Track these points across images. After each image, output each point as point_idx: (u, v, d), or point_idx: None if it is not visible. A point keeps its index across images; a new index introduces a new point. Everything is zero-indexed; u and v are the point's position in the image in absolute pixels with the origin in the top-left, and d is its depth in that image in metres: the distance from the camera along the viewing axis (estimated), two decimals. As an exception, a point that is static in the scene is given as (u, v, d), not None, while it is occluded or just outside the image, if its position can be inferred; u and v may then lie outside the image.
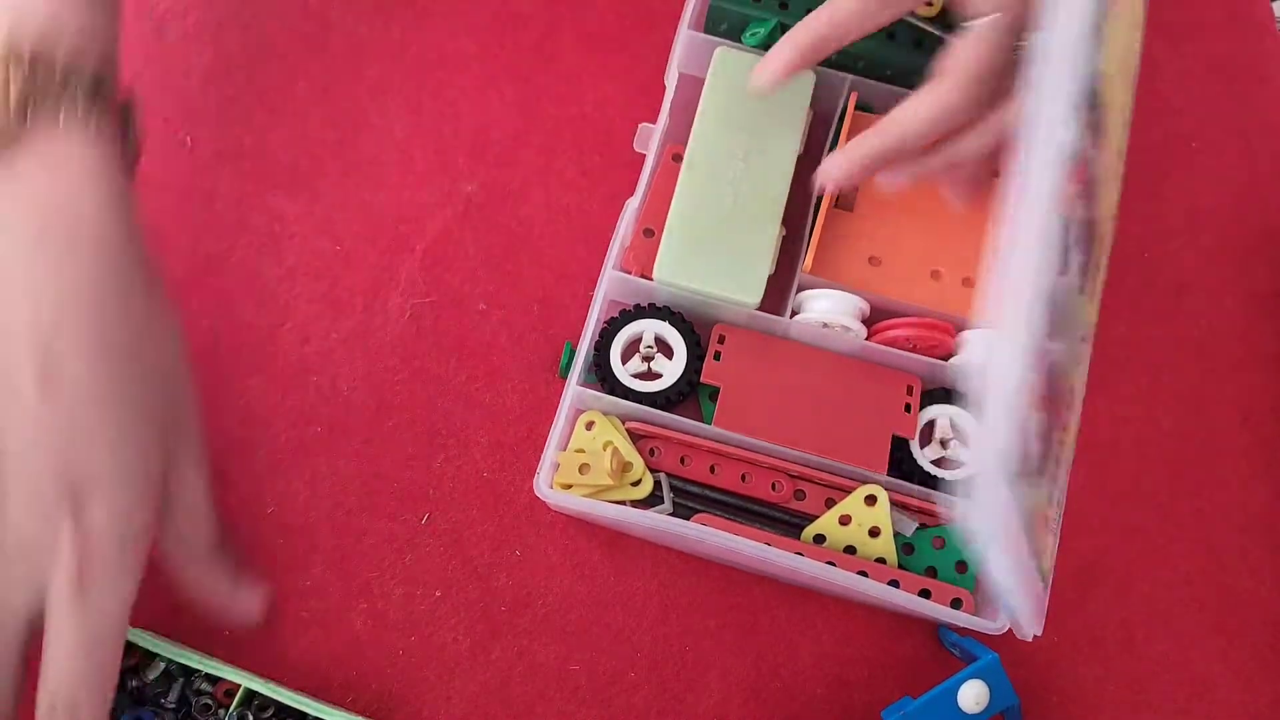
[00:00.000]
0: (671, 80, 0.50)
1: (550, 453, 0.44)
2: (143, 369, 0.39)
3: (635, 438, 0.46)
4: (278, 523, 0.47)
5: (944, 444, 0.47)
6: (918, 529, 0.46)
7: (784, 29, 0.49)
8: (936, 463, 0.47)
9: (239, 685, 0.42)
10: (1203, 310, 0.52)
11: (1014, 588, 0.34)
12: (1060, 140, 0.29)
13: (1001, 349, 0.27)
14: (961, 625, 0.43)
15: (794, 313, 0.47)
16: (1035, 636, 0.41)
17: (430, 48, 0.54)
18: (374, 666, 0.45)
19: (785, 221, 0.47)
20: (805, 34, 0.43)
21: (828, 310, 0.46)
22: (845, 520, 0.45)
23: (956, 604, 0.44)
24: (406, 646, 0.46)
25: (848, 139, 0.47)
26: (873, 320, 0.47)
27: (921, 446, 0.47)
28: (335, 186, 0.51)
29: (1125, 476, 0.49)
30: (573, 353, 0.47)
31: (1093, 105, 0.33)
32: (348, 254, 0.50)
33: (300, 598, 0.46)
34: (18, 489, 0.37)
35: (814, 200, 0.48)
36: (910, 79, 0.48)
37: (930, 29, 0.48)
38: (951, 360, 0.46)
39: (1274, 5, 0.59)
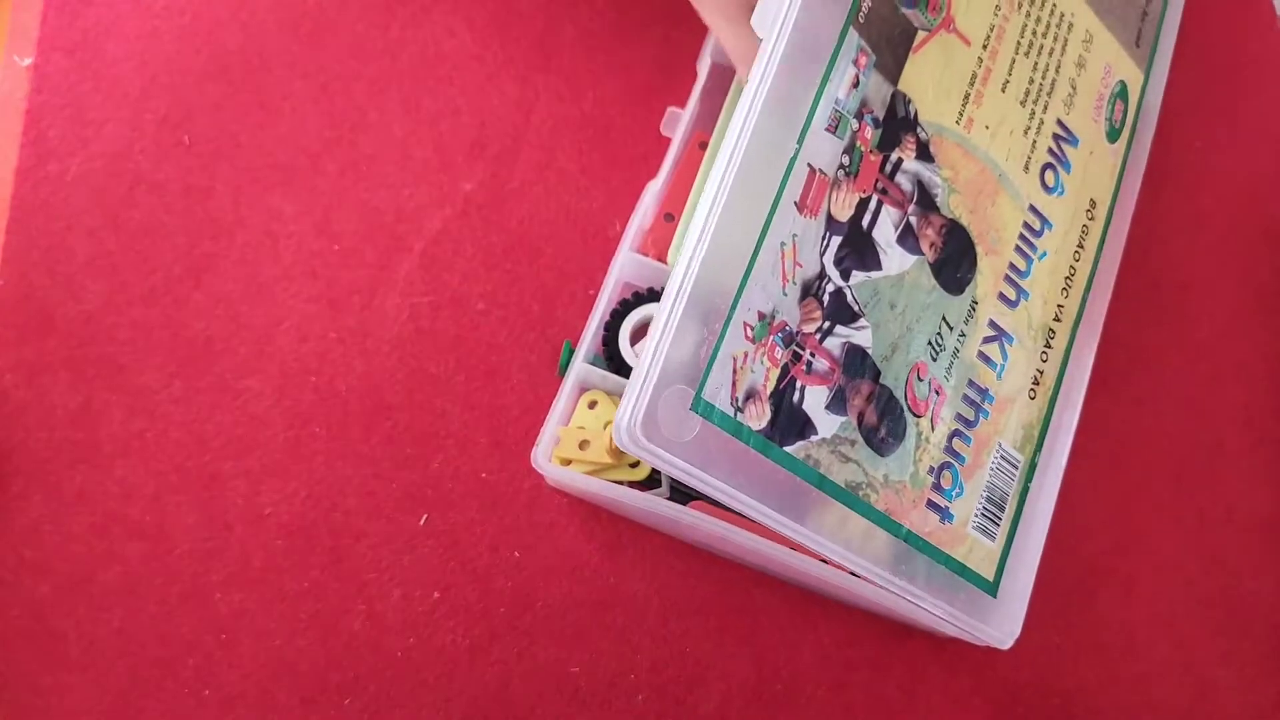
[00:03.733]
0: (703, 69, 0.50)
1: (550, 426, 0.44)
2: None
3: (637, 420, 0.46)
4: (276, 523, 0.47)
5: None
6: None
7: None
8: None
9: None
10: (1205, 310, 0.52)
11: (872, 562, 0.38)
12: (786, 153, 0.36)
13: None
14: (949, 634, 0.43)
15: None
16: (1013, 646, 0.41)
17: (429, 46, 0.53)
18: (372, 668, 0.45)
19: None
20: None
21: None
22: (843, 520, 0.45)
23: None
24: (405, 648, 0.46)
25: None
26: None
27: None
28: (333, 185, 0.51)
29: (1128, 477, 0.49)
30: (572, 352, 0.47)
31: (899, 127, 0.40)
32: (346, 253, 0.50)
33: (299, 599, 0.46)
34: None
35: None
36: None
37: None
38: None
39: (1275, 6, 0.58)
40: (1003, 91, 0.43)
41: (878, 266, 0.39)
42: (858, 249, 0.39)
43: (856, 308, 0.38)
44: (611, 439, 0.44)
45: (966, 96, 0.42)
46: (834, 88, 0.37)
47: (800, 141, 0.36)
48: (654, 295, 0.47)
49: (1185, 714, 0.46)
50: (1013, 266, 0.43)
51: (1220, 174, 0.54)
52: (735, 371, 0.35)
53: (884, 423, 0.39)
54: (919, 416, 0.40)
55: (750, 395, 0.35)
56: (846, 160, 0.38)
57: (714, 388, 0.34)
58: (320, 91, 0.52)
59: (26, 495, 0.47)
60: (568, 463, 0.45)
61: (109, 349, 0.48)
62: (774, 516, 0.36)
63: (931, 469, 0.41)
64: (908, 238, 0.40)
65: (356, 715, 0.45)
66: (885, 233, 0.39)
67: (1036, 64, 0.44)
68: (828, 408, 0.38)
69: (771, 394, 0.36)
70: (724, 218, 0.35)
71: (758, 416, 0.36)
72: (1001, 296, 0.43)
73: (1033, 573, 0.43)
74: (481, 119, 0.52)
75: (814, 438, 0.37)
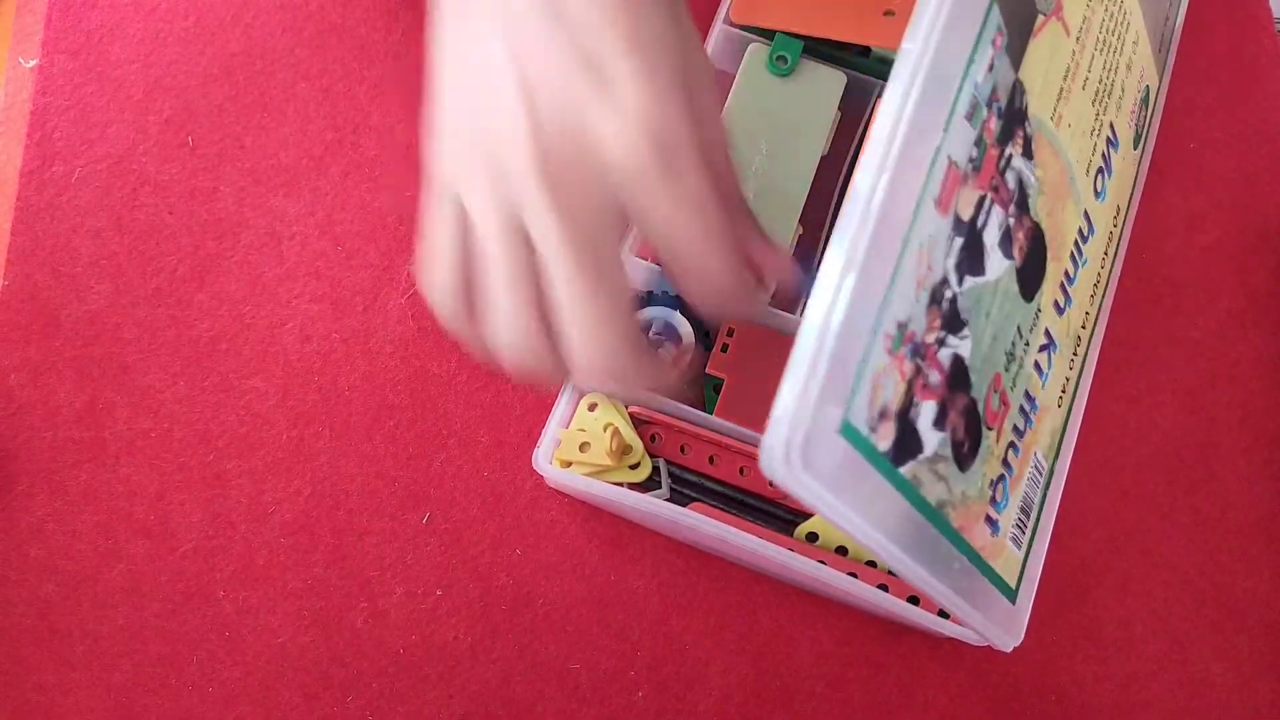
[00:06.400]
0: None
1: (551, 429, 0.45)
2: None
3: (637, 423, 0.46)
4: (279, 522, 0.47)
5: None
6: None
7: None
8: None
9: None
10: (1201, 310, 0.52)
11: (919, 573, 0.34)
12: (933, 144, 0.31)
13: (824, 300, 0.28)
14: (948, 634, 0.43)
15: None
16: (1015, 647, 0.41)
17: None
18: (375, 665, 0.46)
19: (803, 221, 0.47)
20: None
21: None
22: (840, 520, 0.45)
23: (944, 613, 0.44)
24: (408, 645, 0.46)
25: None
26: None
27: None
28: (336, 187, 0.51)
29: (1123, 475, 0.49)
30: (573, 352, 0.47)
31: (1014, 119, 0.35)
32: (349, 254, 0.50)
33: (301, 597, 0.46)
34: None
35: (833, 202, 0.48)
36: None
37: None
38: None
39: (1272, 5, 0.59)
40: (1083, 89, 0.40)
41: (982, 271, 0.35)
42: (972, 252, 0.34)
43: (964, 316, 0.34)
44: (612, 440, 0.44)
45: (1061, 92, 0.38)
46: (976, 69, 0.32)
47: (946, 129, 0.31)
48: (653, 299, 0.48)
49: (1181, 710, 0.46)
50: (1066, 274, 0.41)
51: (1216, 174, 0.54)
52: (874, 388, 0.30)
53: (968, 437, 0.35)
54: (990, 429, 0.37)
55: (883, 414, 0.30)
56: (975, 153, 0.33)
57: (858, 407, 0.29)
58: (323, 94, 0.53)
59: (31, 494, 0.47)
60: (568, 465, 0.45)
61: (114, 349, 0.49)
62: (905, 562, 0.32)
63: (991, 482, 0.38)
64: (1006, 241, 0.36)
65: (359, 711, 0.45)
66: (991, 235, 0.35)
67: (1107, 63, 0.42)
68: (934, 424, 0.33)
69: (898, 411, 0.31)
70: (884, 208, 0.29)
71: (886, 437, 0.31)
72: (1055, 304, 0.41)
73: (1038, 575, 0.43)
74: (483, 121, 0.53)
75: (921, 456, 0.33)
